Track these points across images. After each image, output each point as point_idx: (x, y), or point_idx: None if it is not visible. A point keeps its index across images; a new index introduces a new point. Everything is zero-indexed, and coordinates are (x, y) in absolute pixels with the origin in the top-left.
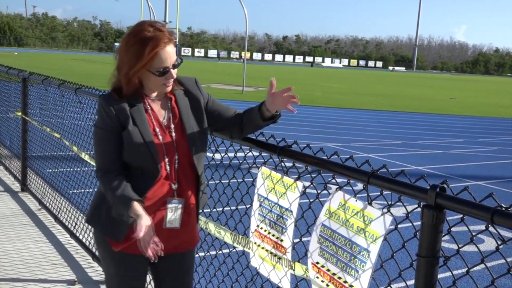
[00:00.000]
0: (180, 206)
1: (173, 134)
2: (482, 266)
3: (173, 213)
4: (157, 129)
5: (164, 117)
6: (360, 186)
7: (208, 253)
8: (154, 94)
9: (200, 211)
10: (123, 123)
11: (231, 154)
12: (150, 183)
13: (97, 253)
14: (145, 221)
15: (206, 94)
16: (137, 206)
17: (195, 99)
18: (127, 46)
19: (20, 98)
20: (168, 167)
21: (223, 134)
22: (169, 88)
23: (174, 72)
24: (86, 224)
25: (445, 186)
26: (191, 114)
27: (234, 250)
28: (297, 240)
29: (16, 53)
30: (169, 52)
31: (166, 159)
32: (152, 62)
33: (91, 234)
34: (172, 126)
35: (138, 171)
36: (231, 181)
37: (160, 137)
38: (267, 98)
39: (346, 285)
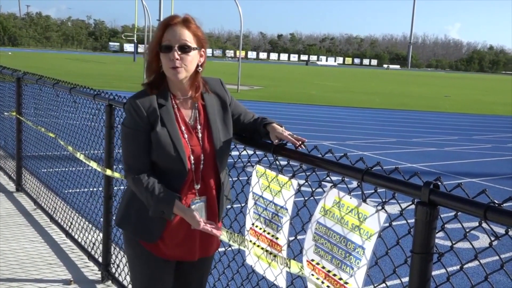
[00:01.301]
0: (203, 204)
1: (199, 134)
2: (477, 262)
3: (197, 212)
4: (184, 129)
5: (191, 117)
6: (354, 183)
7: None
8: (179, 93)
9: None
10: (152, 124)
11: None
12: (178, 184)
13: (125, 252)
14: (192, 212)
15: (230, 95)
16: (179, 203)
17: (222, 100)
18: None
19: (14, 98)
20: (193, 168)
21: (240, 134)
22: (178, 76)
23: (180, 55)
24: (116, 227)
25: (439, 183)
26: (218, 114)
27: (230, 248)
28: (292, 238)
29: (10, 53)
30: (177, 31)
31: (192, 160)
32: (159, 39)
33: (86, 234)
34: (199, 126)
35: (166, 172)
36: None
37: (187, 137)
38: (271, 131)
39: (341, 282)
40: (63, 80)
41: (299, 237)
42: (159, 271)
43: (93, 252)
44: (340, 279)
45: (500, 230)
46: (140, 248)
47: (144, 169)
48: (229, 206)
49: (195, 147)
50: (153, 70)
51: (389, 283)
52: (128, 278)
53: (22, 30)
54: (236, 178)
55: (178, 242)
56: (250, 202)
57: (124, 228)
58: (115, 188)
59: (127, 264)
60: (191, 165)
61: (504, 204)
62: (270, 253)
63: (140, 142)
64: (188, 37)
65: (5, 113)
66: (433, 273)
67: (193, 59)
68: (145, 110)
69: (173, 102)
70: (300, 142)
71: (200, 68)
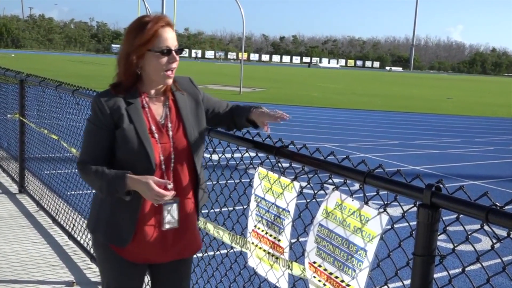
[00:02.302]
0: (175, 205)
1: (170, 133)
2: (479, 265)
3: (168, 213)
4: (153, 128)
5: (162, 115)
6: (356, 186)
7: (206, 254)
8: (153, 92)
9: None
10: (116, 122)
11: (228, 155)
12: None
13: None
14: (147, 178)
15: (201, 91)
16: (132, 175)
17: (193, 96)
18: (128, 32)
19: (17, 100)
20: (163, 167)
21: (217, 127)
22: (170, 81)
23: (177, 57)
24: (87, 231)
25: (441, 185)
26: (190, 112)
27: (232, 250)
28: (294, 240)
29: (13, 55)
30: (171, 34)
31: (162, 158)
32: (153, 41)
33: (89, 236)
34: (170, 124)
35: (132, 171)
36: (228, 181)
37: (156, 136)
38: (256, 118)
39: (343, 284)
40: (66, 82)
41: (301, 239)
42: (128, 275)
43: (96, 257)
44: (342, 281)
45: (502, 232)
46: (110, 251)
47: (96, 164)
48: (231, 208)
49: (165, 144)
50: (131, 72)
51: (391, 285)
52: None
53: (25, 32)
54: (238, 180)
55: (148, 244)
56: (252, 204)
57: (96, 233)
58: None
59: (98, 267)
60: (160, 164)
61: (506, 207)
62: (272, 255)
63: (99, 139)
64: (176, 40)
65: (8, 115)
66: (435, 275)
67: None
68: (109, 108)
69: (143, 100)
70: (279, 120)
71: None
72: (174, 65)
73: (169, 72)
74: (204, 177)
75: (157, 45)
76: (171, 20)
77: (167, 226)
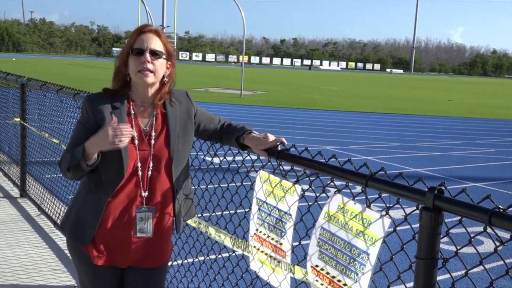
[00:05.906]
0: (150, 214)
1: (152, 141)
2: (482, 267)
3: (143, 222)
4: (135, 134)
5: (147, 124)
6: (358, 189)
7: (208, 257)
8: (141, 99)
9: (186, 222)
10: (99, 123)
11: (230, 158)
12: (115, 185)
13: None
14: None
15: (196, 106)
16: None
17: (186, 110)
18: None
19: (18, 104)
20: (140, 173)
21: (207, 140)
22: (147, 79)
23: (151, 59)
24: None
25: (443, 188)
26: (179, 124)
27: (234, 254)
28: (296, 243)
29: (14, 59)
30: (150, 37)
31: (139, 165)
32: (132, 45)
33: None
34: (153, 133)
35: (106, 173)
36: (230, 184)
37: (136, 142)
38: (253, 146)
39: (346, 287)
40: (67, 86)
41: (303, 242)
42: (99, 278)
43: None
44: (345, 284)
45: (505, 235)
46: (82, 253)
47: None
48: (233, 211)
49: (145, 152)
50: (120, 78)
51: None
52: None
53: (26, 36)
54: (240, 184)
55: (108, 245)
56: (254, 208)
57: (63, 231)
58: None
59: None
60: (136, 171)
61: (509, 209)
62: (274, 259)
63: (82, 137)
64: (158, 45)
65: (9, 119)
66: (438, 278)
67: (162, 66)
68: (94, 110)
69: (131, 107)
70: (279, 143)
71: (165, 79)
72: (147, 65)
73: (143, 72)
74: (189, 190)
75: (133, 48)
76: (158, 28)
77: (139, 235)
